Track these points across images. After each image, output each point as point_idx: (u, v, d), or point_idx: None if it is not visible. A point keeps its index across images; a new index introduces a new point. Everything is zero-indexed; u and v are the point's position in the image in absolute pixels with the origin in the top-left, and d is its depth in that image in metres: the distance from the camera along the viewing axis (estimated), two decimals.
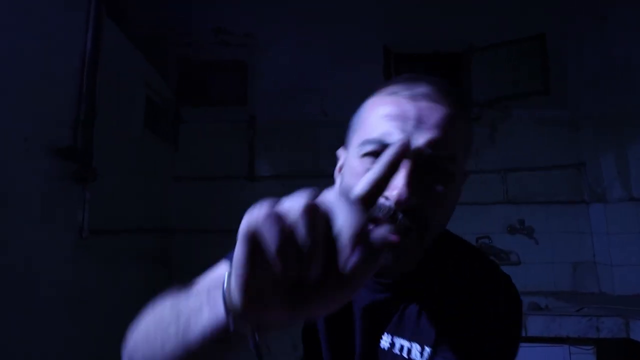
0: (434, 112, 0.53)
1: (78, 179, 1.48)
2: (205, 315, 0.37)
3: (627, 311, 1.71)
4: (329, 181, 2.40)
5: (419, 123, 0.52)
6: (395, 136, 0.52)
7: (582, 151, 2.35)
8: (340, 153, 0.67)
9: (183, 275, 2.57)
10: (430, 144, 0.52)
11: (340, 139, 2.65)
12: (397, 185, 0.49)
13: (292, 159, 2.44)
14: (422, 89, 0.55)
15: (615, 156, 2.23)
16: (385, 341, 0.59)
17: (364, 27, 2.53)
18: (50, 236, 1.35)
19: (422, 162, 0.52)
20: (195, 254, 2.35)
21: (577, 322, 1.69)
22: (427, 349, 0.56)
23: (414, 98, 0.54)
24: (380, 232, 0.30)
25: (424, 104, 0.54)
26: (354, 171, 0.56)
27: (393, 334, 0.59)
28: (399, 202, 0.49)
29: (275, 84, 2.49)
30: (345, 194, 0.31)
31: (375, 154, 0.54)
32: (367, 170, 0.49)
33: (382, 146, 0.52)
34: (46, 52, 1.34)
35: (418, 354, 0.57)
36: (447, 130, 0.53)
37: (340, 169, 0.66)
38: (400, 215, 0.50)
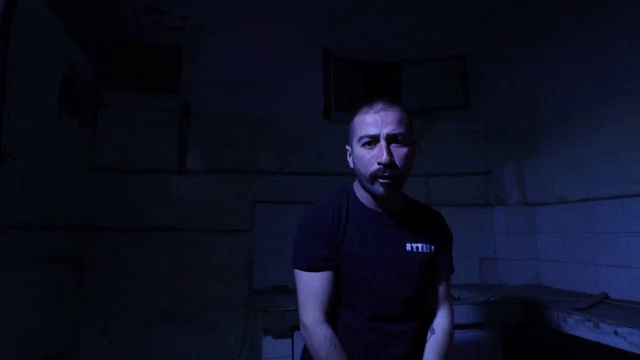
0: (388, 115, 1.03)
1: None
2: None
3: (525, 298, 2.00)
4: (266, 178, 2.41)
5: (384, 122, 1.02)
6: (374, 131, 1.02)
7: (489, 161, 2.69)
8: (348, 148, 1.13)
9: (98, 280, 2.30)
10: (390, 130, 1.02)
11: (280, 136, 2.65)
12: (382, 154, 1.00)
13: (229, 153, 2.34)
14: (379, 105, 1.04)
15: (515, 167, 2.61)
16: (409, 246, 1.10)
17: (308, 27, 2.56)
18: None
19: (390, 140, 1.02)
20: (114, 255, 2.12)
21: (488, 310, 1.93)
22: (430, 246, 1.12)
23: (376, 111, 1.03)
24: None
25: (382, 113, 1.03)
26: (361, 156, 1.05)
27: (410, 242, 1.10)
28: (385, 163, 1.00)
29: (215, 74, 2.37)
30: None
31: (368, 143, 1.03)
32: (367, 153, 1.03)
33: (369, 137, 1.02)
34: None
35: (426, 248, 1.11)
36: (397, 121, 1.03)
37: (351, 155, 1.12)
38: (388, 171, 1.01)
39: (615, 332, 1.45)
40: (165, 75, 2.33)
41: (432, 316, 1.15)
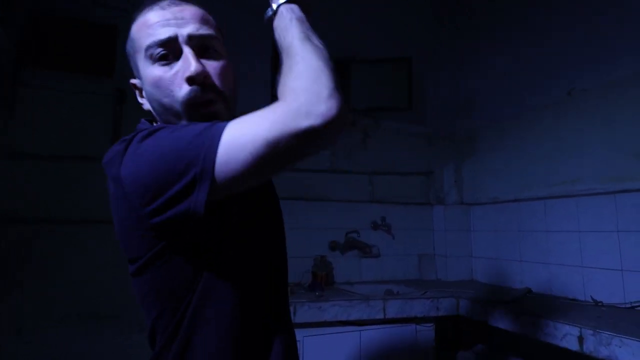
0: (184, 11, 0.70)
1: None
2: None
3: (458, 293, 2.10)
4: None
5: (178, 19, 0.68)
6: (167, 33, 0.67)
7: (431, 162, 2.79)
8: (135, 82, 0.76)
9: (12, 276, 2.08)
10: (194, 30, 0.68)
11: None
12: (189, 65, 0.66)
13: None
14: (167, 0, 0.71)
15: (453, 168, 2.74)
16: None
17: (256, 18, 2.49)
18: None
19: (195, 46, 0.68)
20: (34, 251, 1.94)
21: (422, 304, 1.99)
22: None
23: (163, 7, 0.69)
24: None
25: (175, 9, 0.69)
26: (156, 78, 0.68)
27: None
28: (197, 73, 0.65)
29: None
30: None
31: (163, 57, 0.68)
32: (166, 71, 0.67)
33: (162, 44, 0.67)
34: None
35: None
36: (200, 19, 0.71)
37: (141, 92, 0.76)
38: (202, 91, 0.67)
39: (534, 324, 1.56)
40: (99, 57, 2.16)
41: None
